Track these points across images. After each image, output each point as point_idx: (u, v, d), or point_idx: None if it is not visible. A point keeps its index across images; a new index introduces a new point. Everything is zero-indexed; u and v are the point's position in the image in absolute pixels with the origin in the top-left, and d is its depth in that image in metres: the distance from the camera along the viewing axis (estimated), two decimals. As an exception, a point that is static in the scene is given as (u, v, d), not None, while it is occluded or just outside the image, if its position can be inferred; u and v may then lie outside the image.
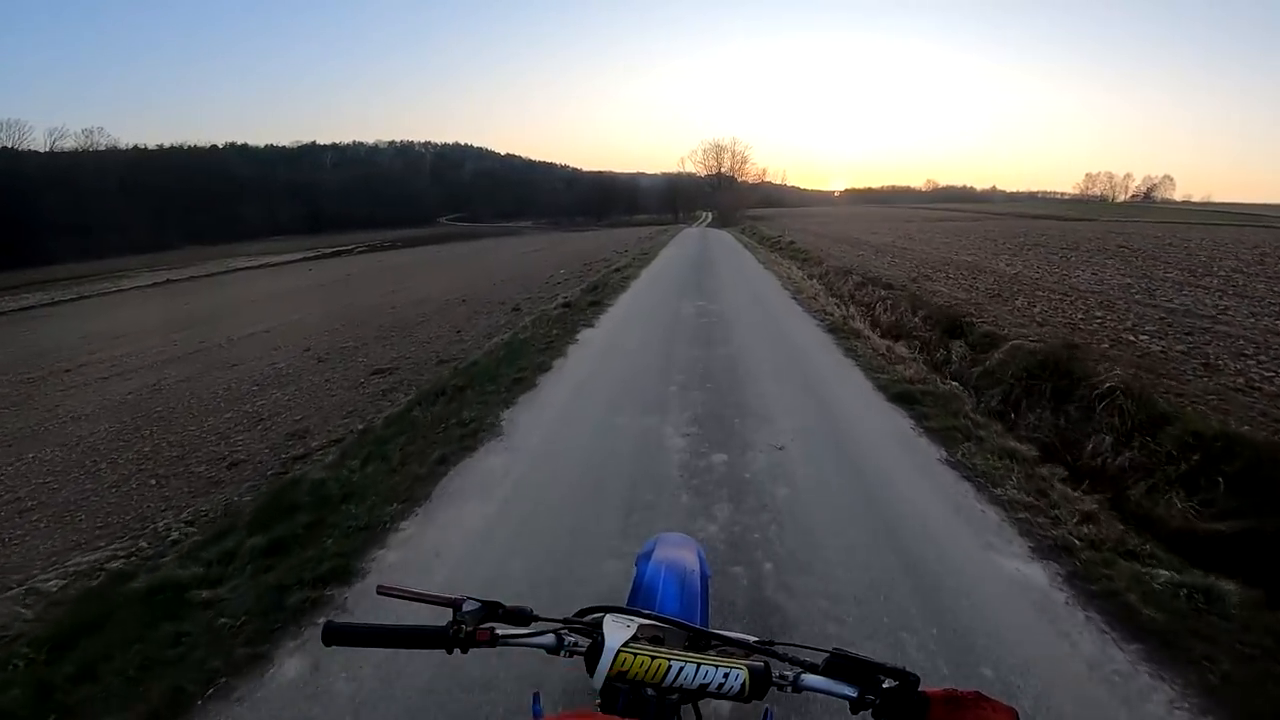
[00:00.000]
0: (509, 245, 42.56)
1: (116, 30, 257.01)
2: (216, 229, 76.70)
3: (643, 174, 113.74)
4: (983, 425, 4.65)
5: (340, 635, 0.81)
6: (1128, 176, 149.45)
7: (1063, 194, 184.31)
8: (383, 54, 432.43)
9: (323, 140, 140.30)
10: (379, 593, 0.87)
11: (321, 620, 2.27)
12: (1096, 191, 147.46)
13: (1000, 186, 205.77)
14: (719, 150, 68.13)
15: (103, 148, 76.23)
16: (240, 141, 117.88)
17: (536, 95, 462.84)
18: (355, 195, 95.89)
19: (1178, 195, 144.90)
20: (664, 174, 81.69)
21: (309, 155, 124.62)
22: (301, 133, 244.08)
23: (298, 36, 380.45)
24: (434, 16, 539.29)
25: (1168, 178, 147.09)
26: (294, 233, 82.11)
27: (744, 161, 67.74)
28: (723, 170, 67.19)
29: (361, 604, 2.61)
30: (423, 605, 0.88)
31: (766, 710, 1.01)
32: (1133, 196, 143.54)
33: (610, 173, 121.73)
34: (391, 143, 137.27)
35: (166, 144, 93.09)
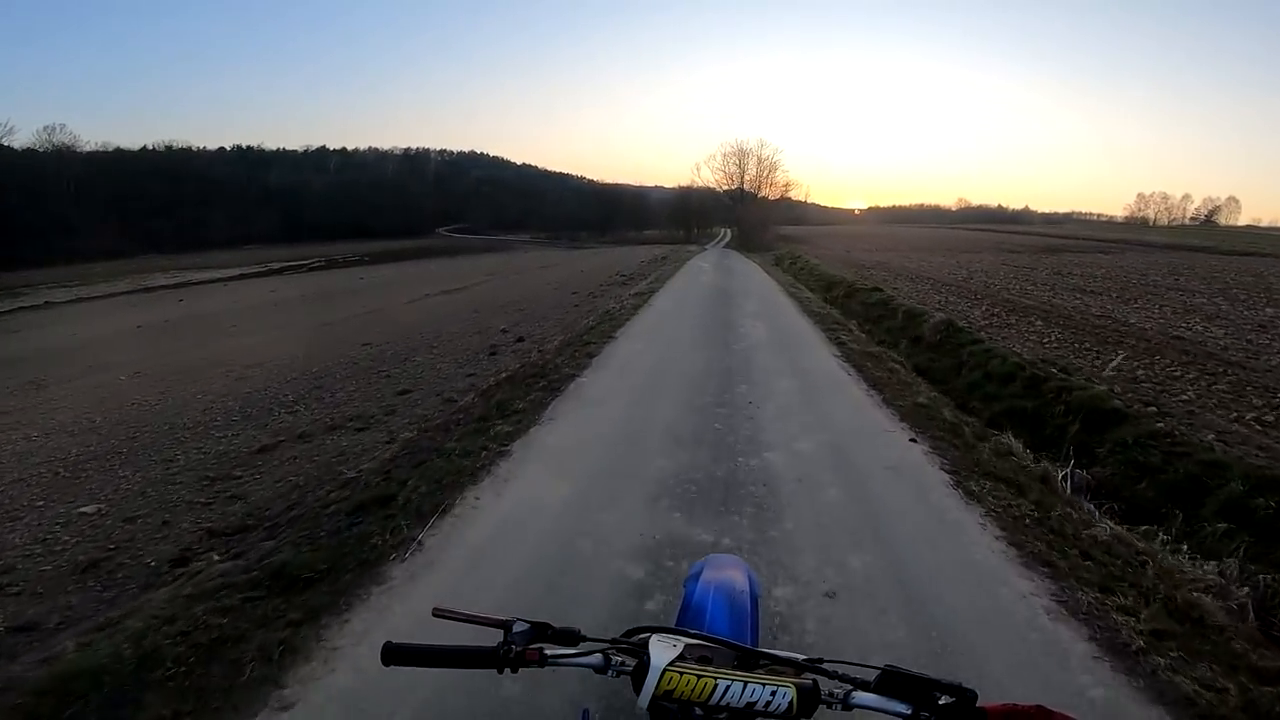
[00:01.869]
0: (458, 270, 31.54)
1: (140, 33, 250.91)
2: (179, 236, 67.38)
3: (660, 187, 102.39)
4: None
5: (399, 655, 0.81)
6: (1185, 198, 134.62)
7: (1099, 215, 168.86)
8: (402, 59, 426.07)
9: (335, 144, 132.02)
10: (434, 614, 0.86)
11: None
12: (1149, 214, 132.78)
13: (1032, 206, 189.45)
14: (741, 155, 56.36)
15: (59, 146, 66.92)
16: (248, 144, 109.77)
17: (556, 105, 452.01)
18: (345, 203, 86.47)
19: (1243, 219, 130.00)
20: (679, 187, 70.27)
21: (313, 160, 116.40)
22: (321, 138, 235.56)
23: (322, 41, 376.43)
24: (457, 24, 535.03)
25: (1232, 199, 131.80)
26: (270, 241, 72.62)
27: (773, 169, 55.90)
28: (746, 179, 55.39)
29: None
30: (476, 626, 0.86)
31: None
32: (1191, 219, 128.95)
33: (628, 185, 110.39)
34: (407, 149, 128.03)
35: (156, 145, 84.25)
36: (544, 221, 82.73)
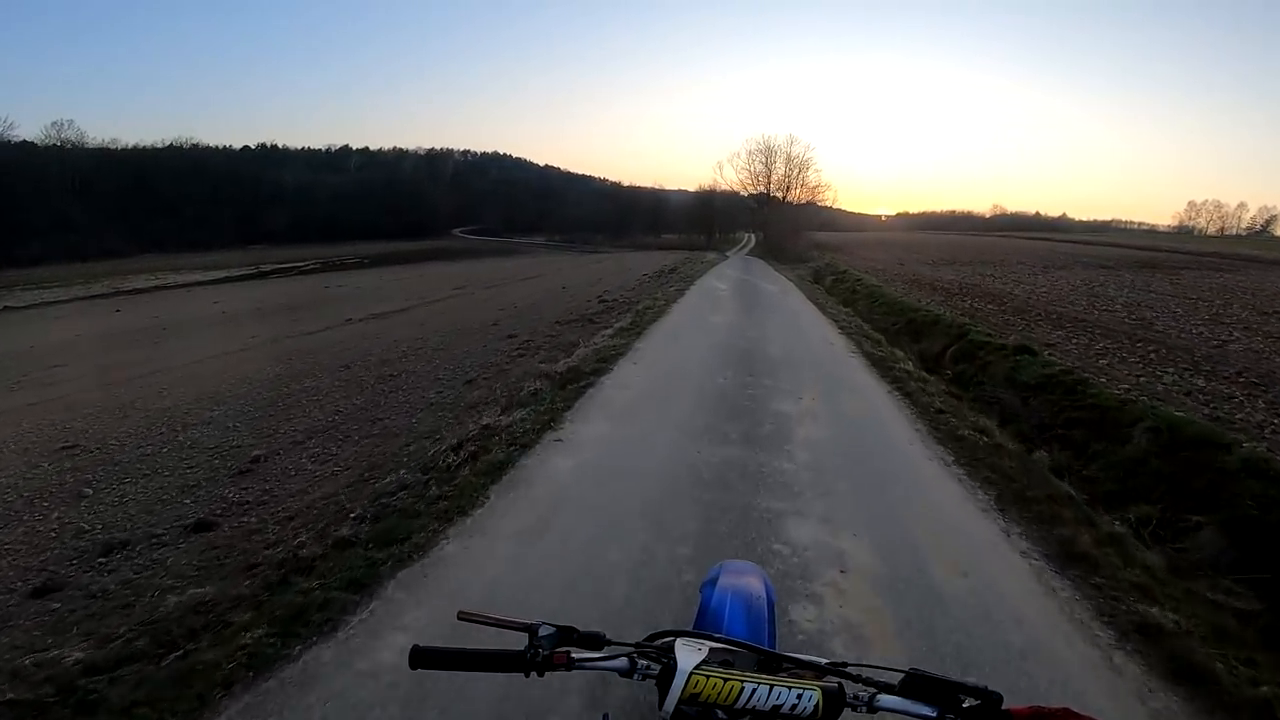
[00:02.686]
0: (433, 277, 26.48)
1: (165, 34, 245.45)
2: (184, 235, 63.87)
3: (683, 190, 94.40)
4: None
5: (426, 658, 0.80)
6: (1240, 206, 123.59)
7: (1139, 223, 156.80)
8: (430, 58, 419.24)
9: (360, 143, 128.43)
10: (460, 618, 0.84)
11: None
12: (1200, 223, 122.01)
13: (1069, 214, 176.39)
14: (769, 153, 49.89)
15: (64, 142, 64.17)
16: (272, 143, 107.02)
17: (583, 108, 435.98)
18: (358, 203, 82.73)
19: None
20: (700, 188, 64.11)
21: (334, 159, 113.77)
22: (345, 137, 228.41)
23: (352, 39, 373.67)
24: (487, 24, 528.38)
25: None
26: (278, 241, 68.75)
27: (803, 169, 49.55)
28: (773, 179, 48.95)
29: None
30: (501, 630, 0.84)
31: None
32: (1245, 229, 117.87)
33: (649, 188, 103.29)
34: (431, 149, 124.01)
35: (169, 143, 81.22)
36: (560, 224, 77.67)
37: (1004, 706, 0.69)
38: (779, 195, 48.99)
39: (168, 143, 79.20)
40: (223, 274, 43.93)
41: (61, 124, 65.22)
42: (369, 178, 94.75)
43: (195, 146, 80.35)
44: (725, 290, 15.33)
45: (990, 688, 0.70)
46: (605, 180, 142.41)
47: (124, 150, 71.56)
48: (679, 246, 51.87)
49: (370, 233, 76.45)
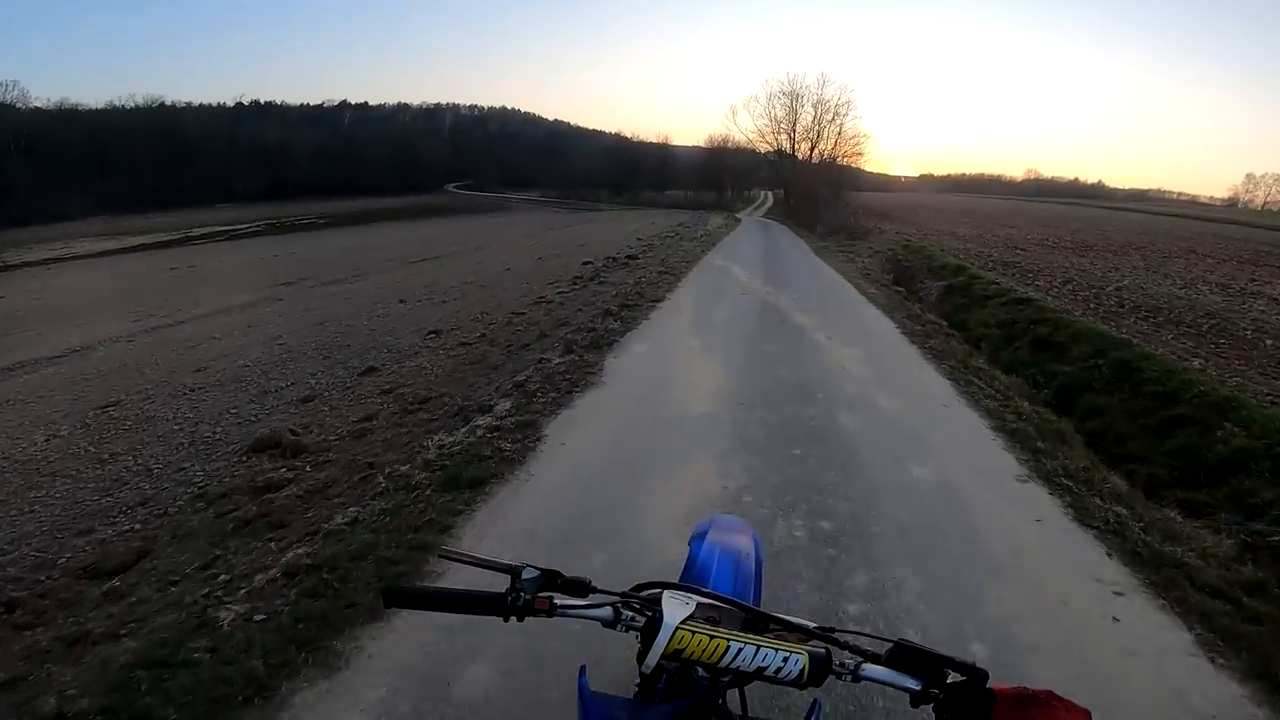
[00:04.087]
0: (327, 251, 18.08)
1: None
2: (147, 197, 55.47)
3: (698, 146, 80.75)
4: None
5: (400, 598, 0.75)
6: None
7: (1179, 194, 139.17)
8: (439, 12, 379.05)
9: (361, 99, 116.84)
10: (440, 556, 0.77)
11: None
12: (1258, 197, 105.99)
13: (1106, 182, 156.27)
14: (794, 96, 39.62)
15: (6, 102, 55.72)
16: (267, 100, 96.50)
17: (595, 59, 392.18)
18: (343, 159, 73.68)
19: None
20: (710, 139, 53.47)
21: (327, 116, 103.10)
22: (344, 91, 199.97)
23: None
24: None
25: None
26: (250, 200, 60.16)
27: (840, 116, 36.49)
28: (799, 129, 38.53)
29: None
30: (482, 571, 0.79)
31: (815, 701, 0.88)
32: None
33: (666, 142, 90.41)
34: (437, 105, 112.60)
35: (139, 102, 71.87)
36: (560, 179, 68.31)
37: (988, 685, 0.65)
38: (805, 146, 38.91)
39: (135, 103, 70.16)
40: (140, 240, 35.66)
41: (5, 85, 56.88)
42: (359, 134, 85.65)
43: (167, 105, 71.31)
44: (710, 378, 4.92)
45: (977, 665, 0.66)
46: (617, 134, 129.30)
47: (83, 111, 62.71)
48: (684, 205, 42.58)
49: (355, 190, 67.69)
